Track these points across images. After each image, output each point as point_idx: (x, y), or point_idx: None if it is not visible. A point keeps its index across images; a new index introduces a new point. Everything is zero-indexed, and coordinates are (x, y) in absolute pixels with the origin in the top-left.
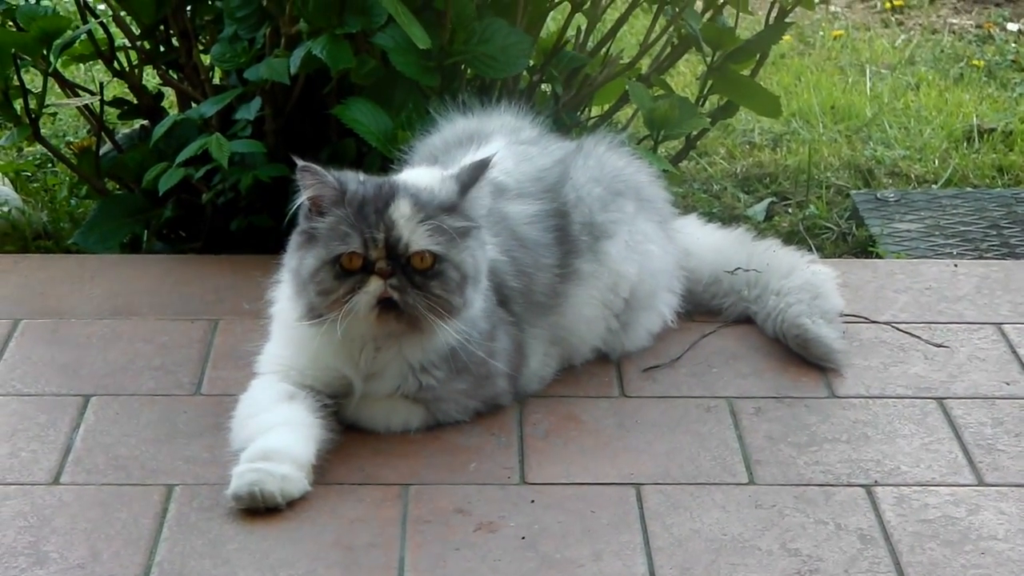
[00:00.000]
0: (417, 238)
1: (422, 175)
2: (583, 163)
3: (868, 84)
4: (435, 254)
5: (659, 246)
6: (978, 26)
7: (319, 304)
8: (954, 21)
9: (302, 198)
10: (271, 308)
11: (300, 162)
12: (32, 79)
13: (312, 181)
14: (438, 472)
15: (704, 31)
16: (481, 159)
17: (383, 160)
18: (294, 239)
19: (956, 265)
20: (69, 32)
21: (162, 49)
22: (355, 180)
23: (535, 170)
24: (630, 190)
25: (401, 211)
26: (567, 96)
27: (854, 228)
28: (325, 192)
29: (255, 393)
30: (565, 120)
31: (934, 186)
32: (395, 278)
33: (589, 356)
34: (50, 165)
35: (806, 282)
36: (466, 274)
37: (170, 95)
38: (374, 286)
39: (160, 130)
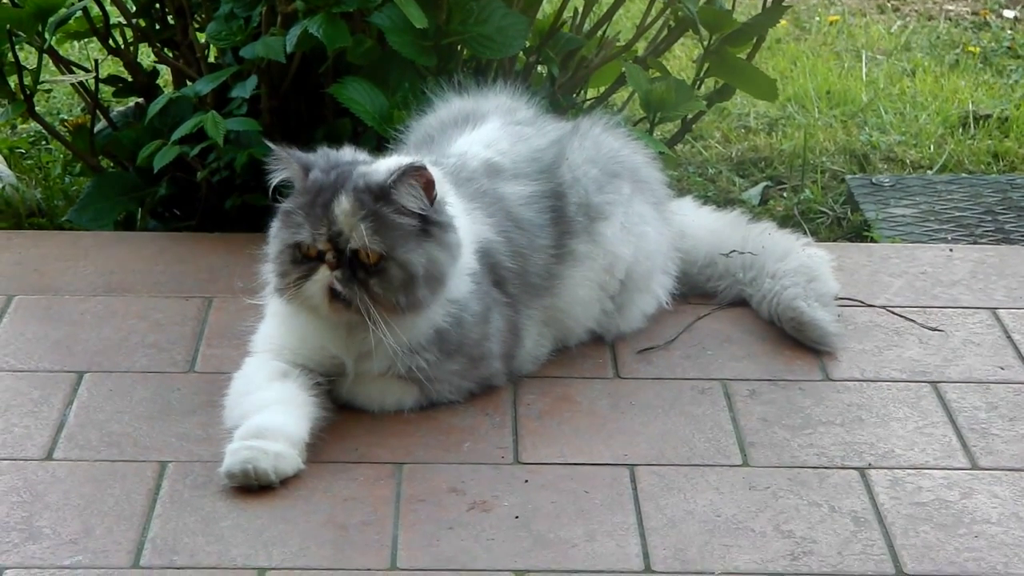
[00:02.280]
0: (357, 235)
1: (389, 165)
2: (579, 144)
3: (864, 70)
4: (378, 252)
5: (655, 228)
6: (974, 13)
7: (277, 284)
8: (950, 8)
9: (275, 181)
10: (265, 288)
11: (273, 147)
12: (27, 56)
13: (281, 167)
14: (432, 451)
15: (701, 13)
16: (409, 163)
17: (379, 139)
18: (276, 216)
19: (951, 250)
20: (64, 9)
21: (157, 27)
22: (322, 166)
23: (531, 151)
24: (626, 171)
25: (342, 207)
26: (563, 78)
27: (849, 213)
28: (293, 177)
29: (249, 371)
30: (561, 102)
31: (929, 171)
32: (340, 271)
33: (584, 337)
34: (44, 142)
35: (801, 265)
36: (413, 274)
37: (165, 73)
38: (321, 275)
39: (155, 108)
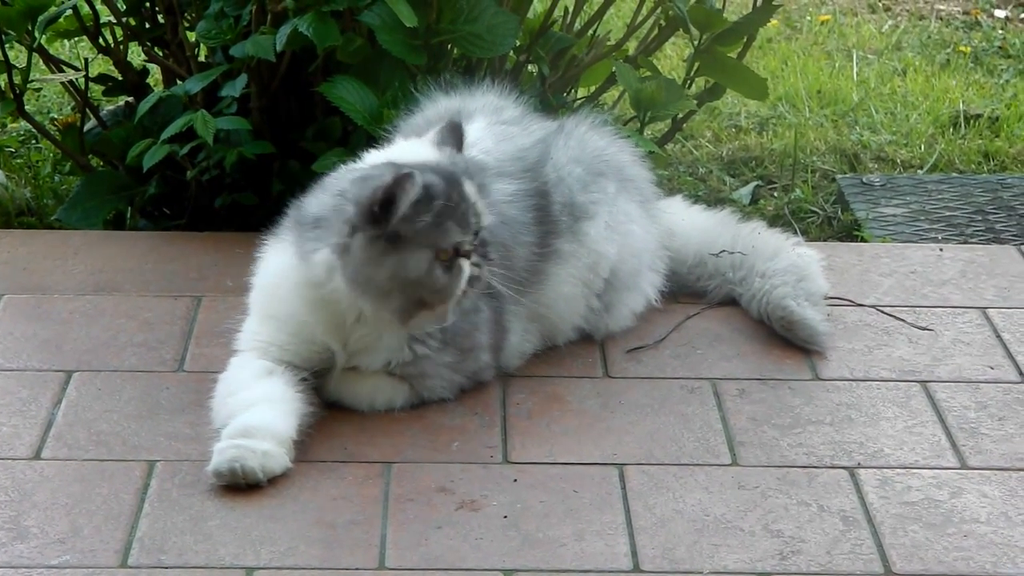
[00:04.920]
0: (486, 214)
1: (415, 149)
2: (564, 143)
3: (855, 69)
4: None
5: (641, 226)
6: (965, 12)
7: (433, 300)
8: (941, 7)
9: (403, 207)
10: (252, 285)
11: (402, 170)
12: (16, 55)
13: (408, 189)
14: (421, 451)
15: (691, 13)
16: (450, 121)
17: (368, 138)
18: (365, 247)
19: (941, 249)
20: (54, 7)
21: (147, 25)
22: (419, 172)
23: (515, 149)
24: (612, 170)
25: (473, 192)
26: (554, 77)
27: (840, 212)
28: (410, 196)
29: (234, 371)
30: (552, 101)
31: (920, 171)
32: (474, 255)
33: (572, 336)
34: (34, 141)
35: (791, 264)
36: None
37: (155, 72)
38: (467, 268)
39: (145, 107)
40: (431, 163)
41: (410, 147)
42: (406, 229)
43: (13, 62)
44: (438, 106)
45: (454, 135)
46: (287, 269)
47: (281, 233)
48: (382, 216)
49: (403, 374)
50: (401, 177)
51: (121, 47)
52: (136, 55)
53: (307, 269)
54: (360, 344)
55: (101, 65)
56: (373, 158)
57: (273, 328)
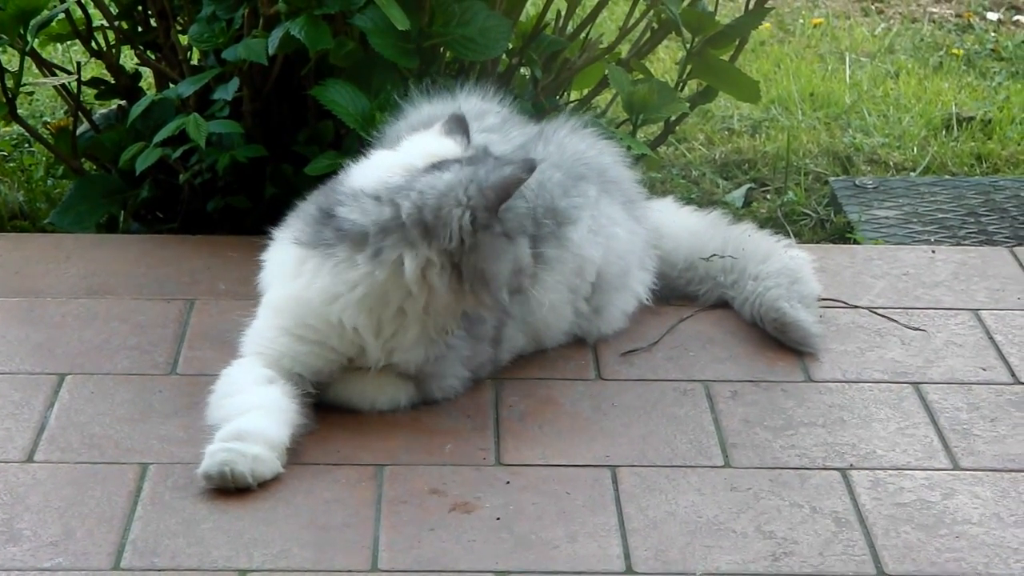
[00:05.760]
0: None
1: (436, 142)
2: (543, 149)
3: (847, 72)
4: None
5: (625, 228)
6: (958, 15)
7: (527, 283)
8: (934, 10)
9: (529, 199)
10: (267, 293)
11: (523, 164)
12: (9, 58)
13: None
14: (413, 453)
15: (684, 15)
16: (453, 113)
17: (361, 142)
18: (490, 245)
19: (934, 251)
20: (46, 11)
21: (140, 29)
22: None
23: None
24: (593, 173)
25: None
26: (546, 80)
27: (832, 215)
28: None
29: (236, 373)
30: (544, 104)
31: (912, 173)
32: None
33: (562, 339)
34: (27, 145)
35: (784, 267)
36: None
37: (148, 75)
38: None
39: (137, 110)
40: (469, 155)
41: (429, 140)
42: (515, 220)
43: (6, 66)
44: (421, 112)
45: (460, 126)
46: (349, 281)
47: (321, 247)
48: (504, 211)
49: (425, 372)
50: (527, 170)
51: (113, 51)
52: (128, 59)
53: (387, 276)
54: (404, 342)
55: (94, 69)
56: (384, 159)
57: (294, 339)
